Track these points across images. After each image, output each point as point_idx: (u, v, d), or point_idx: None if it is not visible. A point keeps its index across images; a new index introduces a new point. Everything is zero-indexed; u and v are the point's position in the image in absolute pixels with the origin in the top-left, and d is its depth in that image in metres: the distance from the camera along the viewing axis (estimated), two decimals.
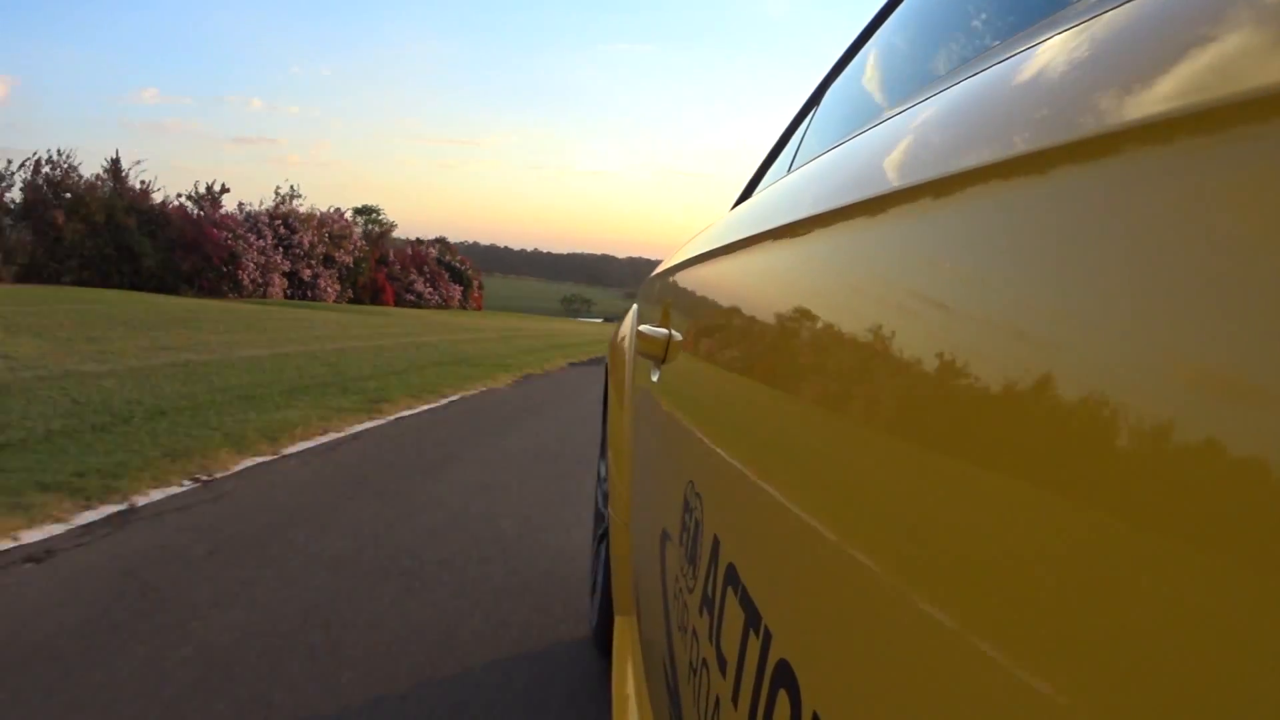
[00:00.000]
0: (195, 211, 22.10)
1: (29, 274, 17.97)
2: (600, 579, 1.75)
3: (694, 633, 0.62)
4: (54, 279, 18.17)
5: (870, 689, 0.30)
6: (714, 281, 0.87)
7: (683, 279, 1.11)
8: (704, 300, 0.90)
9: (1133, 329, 0.21)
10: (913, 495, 0.30)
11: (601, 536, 1.81)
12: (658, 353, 1.04)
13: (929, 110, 0.44)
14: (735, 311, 0.71)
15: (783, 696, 0.38)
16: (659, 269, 1.59)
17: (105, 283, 19.22)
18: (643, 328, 1.24)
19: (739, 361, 0.64)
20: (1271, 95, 0.18)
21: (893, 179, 0.43)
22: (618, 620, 1.37)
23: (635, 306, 1.85)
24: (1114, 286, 0.22)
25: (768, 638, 0.41)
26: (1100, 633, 0.19)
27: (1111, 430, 0.20)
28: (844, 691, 0.32)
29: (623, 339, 1.76)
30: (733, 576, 0.51)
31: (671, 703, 0.73)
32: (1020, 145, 0.30)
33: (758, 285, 0.66)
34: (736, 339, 0.67)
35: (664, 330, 1.06)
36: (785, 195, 0.72)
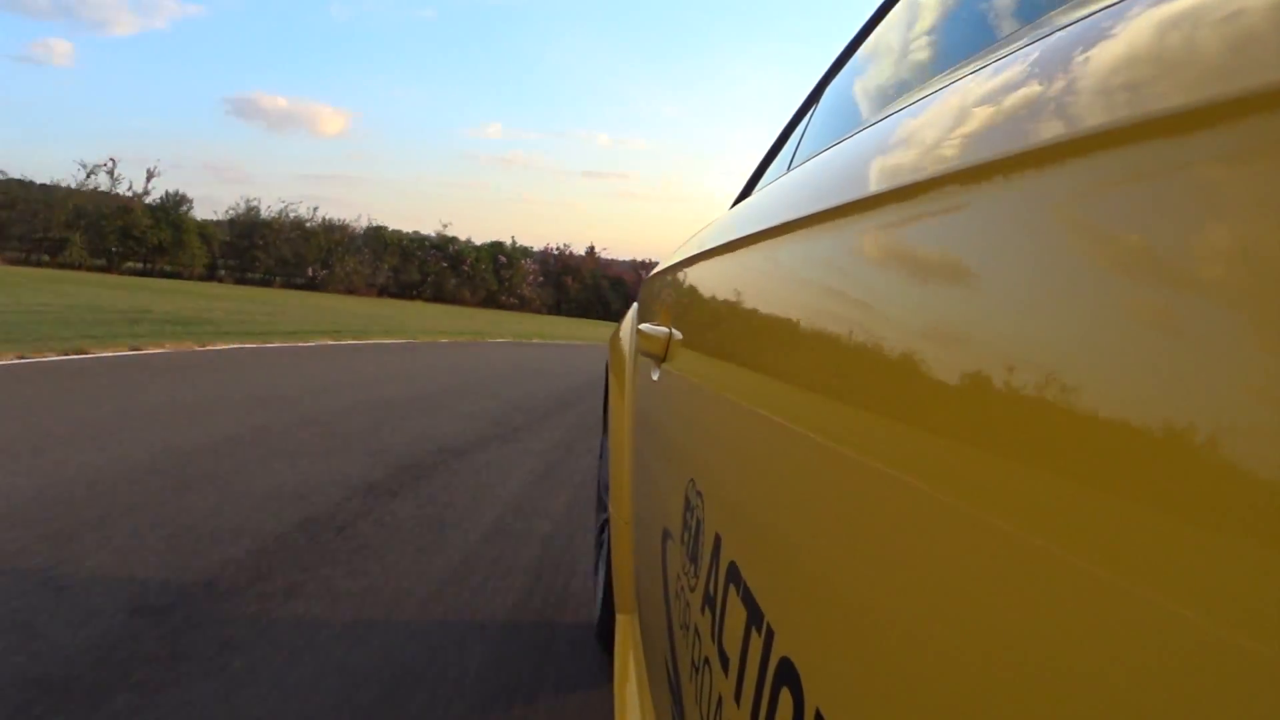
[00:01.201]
0: (633, 272, 38.75)
1: (551, 311, 34.14)
2: (602, 577, 1.75)
3: (696, 631, 0.62)
4: (559, 313, 34.19)
5: (873, 686, 0.30)
6: (714, 280, 0.87)
7: (683, 277, 1.11)
8: (704, 299, 0.90)
9: (1135, 327, 0.21)
10: (914, 493, 0.30)
11: (603, 526, 1.82)
12: (658, 351, 1.04)
13: (928, 108, 0.44)
14: (735, 310, 0.71)
15: (785, 694, 0.38)
16: (659, 267, 1.59)
17: (586, 316, 35.05)
18: (643, 326, 1.24)
19: (739, 360, 0.64)
20: (1272, 92, 0.18)
21: (892, 177, 0.43)
22: (619, 619, 1.37)
23: (635, 305, 1.85)
24: (1116, 284, 0.22)
25: (770, 636, 0.42)
26: (1105, 632, 0.19)
27: (1114, 427, 0.20)
28: (847, 689, 0.32)
29: (623, 337, 1.76)
30: (734, 574, 0.51)
31: (674, 701, 0.73)
32: (1020, 142, 0.30)
33: (757, 283, 0.66)
34: (736, 337, 0.67)
35: (664, 329, 1.06)
36: (784, 193, 0.72)
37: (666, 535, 0.85)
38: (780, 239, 0.62)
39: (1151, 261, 0.21)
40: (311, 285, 28.29)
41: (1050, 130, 0.28)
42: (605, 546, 1.71)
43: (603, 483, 1.93)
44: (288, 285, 28.31)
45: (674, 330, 1.01)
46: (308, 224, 28.89)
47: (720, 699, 0.51)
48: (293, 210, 29.43)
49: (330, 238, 28.59)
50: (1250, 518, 0.16)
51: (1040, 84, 0.31)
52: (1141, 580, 0.18)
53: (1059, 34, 0.33)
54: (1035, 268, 0.26)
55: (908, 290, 0.36)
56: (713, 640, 0.55)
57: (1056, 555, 0.21)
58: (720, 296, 0.81)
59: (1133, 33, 0.27)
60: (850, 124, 0.76)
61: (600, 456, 2.15)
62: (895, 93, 0.66)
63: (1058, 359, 0.23)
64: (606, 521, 1.69)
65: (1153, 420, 0.19)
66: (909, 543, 0.29)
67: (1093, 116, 0.26)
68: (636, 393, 1.36)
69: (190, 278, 27.72)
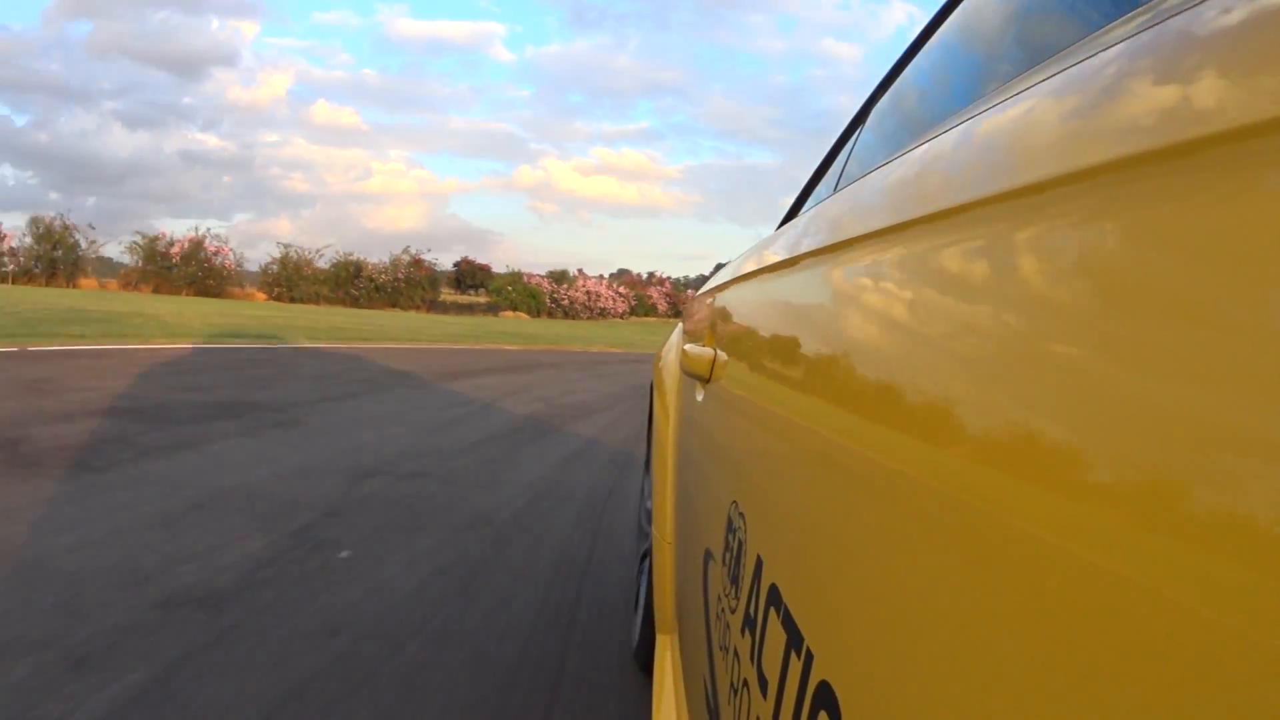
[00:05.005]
0: None
1: None
2: (643, 597, 1.75)
3: (735, 653, 0.62)
4: None
5: (912, 712, 0.30)
6: (759, 301, 0.87)
7: (728, 298, 1.12)
8: (749, 320, 0.90)
9: (1203, 351, 0.20)
10: (957, 519, 0.29)
11: (645, 555, 1.81)
12: (703, 372, 1.05)
13: (974, 131, 0.44)
14: (780, 331, 0.71)
15: (823, 718, 0.38)
16: (705, 288, 1.60)
17: None
18: (688, 347, 1.24)
19: (783, 381, 0.64)
20: None
21: (938, 199, 0.43)
22: (659, 639, 1.36)
23: (680, 325, 1.85)
24: (1178, 306, 0.22)
25: (809, 659, 0.41)
26: (1162, 657, 0.19)
27: (1187, 459, 0.20)
28: (885, 713, 0.32)
29: (668, 357, 1.77)
30: (775, 597, 0.51)
31: None
32: (1066, 165, 0.29)
33: (803, 305, 0.66)
34: (781, 359, 0.67)
35: (709, 349, 1.06)
36: (830, 215, 0.72)
37: (708, 556, 0.84)
38: (826, 260, 0.62)
39: (1205, 279, 0.21)
40: None
41: (1095, 152, 0.28)
42: (647, 570, 1.71)
43: (645, 506, 1.92)
44: None
45: (719, 351, 1.02)
46: None
47: None
48: None
49: None
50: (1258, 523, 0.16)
51: (1087, 105, 0.31)
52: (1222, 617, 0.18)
53: (1108, 53, 0.33)
54: (1094, 291, 0.26)
55: (955, 313, 0.35)
56: (752, 662, 0.55)
57: (1114, 589, 0.21)
58: (765, 318, 0.81)
59: (1192, 48, 0.26)
60: (896, 146, 0.76)
61: (643, 481, 2.14)
62: (941, 115, 0.66)
63: (1120, 385, 0.22)
64: (649, 547, 1.69)
65: (1218, 444, 0.19)
66: (951, 569, 0.29)
67: (1136, 138, 0.25)
68: (681, 413, 1.37)
69: None
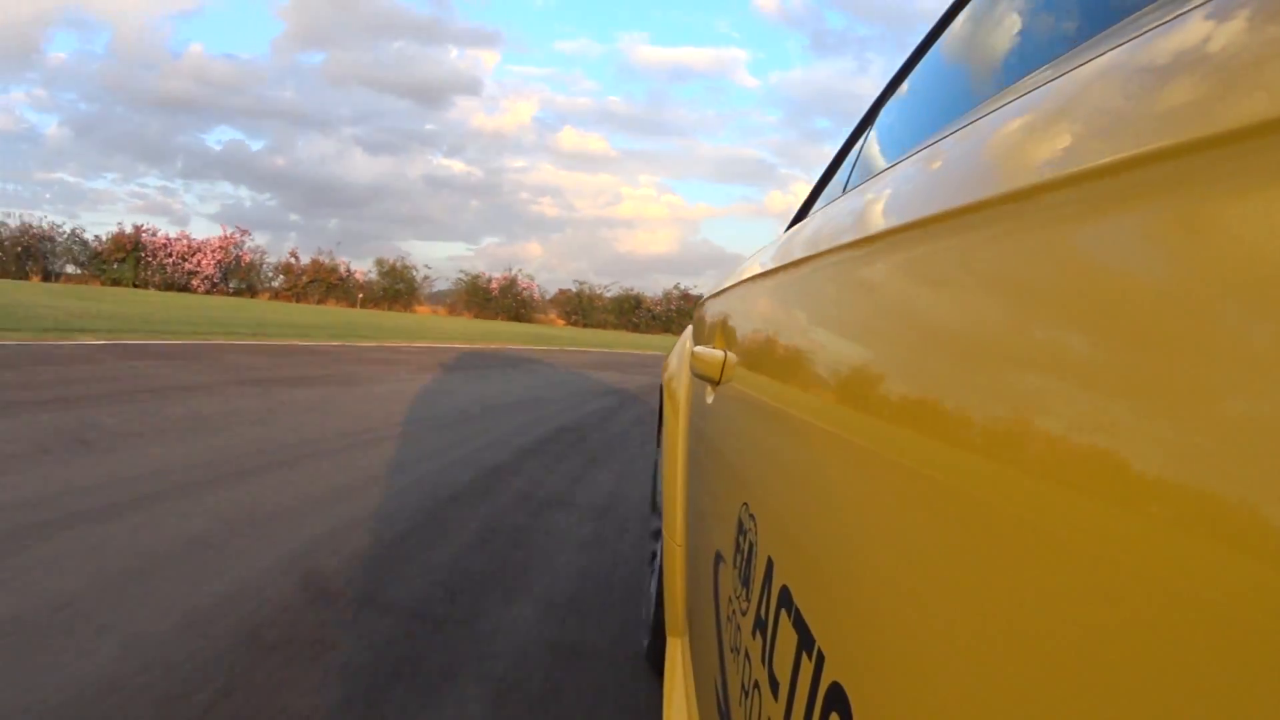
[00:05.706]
0: None
1: None
2: (653, 600, 1.75)
3: (746, 655, 0.62)
4: None
5: (924, 713, 0.30)
6: (769, 303, 0.87)
7: (738, 300, 1.11)
8: (759, 321, 0.90)
9: (1217, 350, 0.20)
10: (972, 522, 0.29)
11: (654, 557, 1.81)
12: (713, 374, 1.05)
13: (982, 132, 0.44)
14: (790, 333, 0.71)
15: None
16: (715, 290, 1.60)
17: None
18: (698, 349, 1.25)
19: (793, 382, 0.64)
20: None
21: (947, 199, 0.43)
22: (670, 641, 1.36)
23: (690, 327, 1.85)
24: (1190, 306, 0.22)
25: (820, 660, 0.41)
26: (1178, 659, 0.19)
27: (1201, 459, 0.20)
28: (897, 715, 0.32)
29: (678, 360, 1.77)
30: (786, 599, 0.51)
31: None
32: (1075, 165, 0.29)
33: (813, 306, 0.66)
34: (790, 360, 0.67)
35: (719, 351, 1.06)
36: (839, 216, 0.72)
37: (719, 558, 0.84)
38: (835, 261, 0.62)
39: (1217, 280, 0.21)
40: None
41: (1105, 153, 0.28)
42: (658, 570, 1.71)
43: (657, 507, 1.93)
44: None
45: (729, 353, 1.02)
46: None
47: None
48: None
49: None
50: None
51: (1097, 105, 0.31)
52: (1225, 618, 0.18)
53: (1117, 53, 0.32)
54: (1106, 292, 0.25)
55: (966, 313, 0.35)
56: (763, 664, 0.55)
57: (1138, 587, 0.20)
58: (775, 319, 0.81)
59: (1188, 49, 0.26)
60: (905, 147, 0.76)
61: (654, 482, 2.15)
62: (950, 116, 0.66)
63: (1141, 391, 0.22)
64: (659, 549, 1.69)
65: (1216, 442, 0.19)
66: (963, 570, 0.29)
67: (1148, 138, 0.25)
68: (690, 415, 1.37)
69: None
